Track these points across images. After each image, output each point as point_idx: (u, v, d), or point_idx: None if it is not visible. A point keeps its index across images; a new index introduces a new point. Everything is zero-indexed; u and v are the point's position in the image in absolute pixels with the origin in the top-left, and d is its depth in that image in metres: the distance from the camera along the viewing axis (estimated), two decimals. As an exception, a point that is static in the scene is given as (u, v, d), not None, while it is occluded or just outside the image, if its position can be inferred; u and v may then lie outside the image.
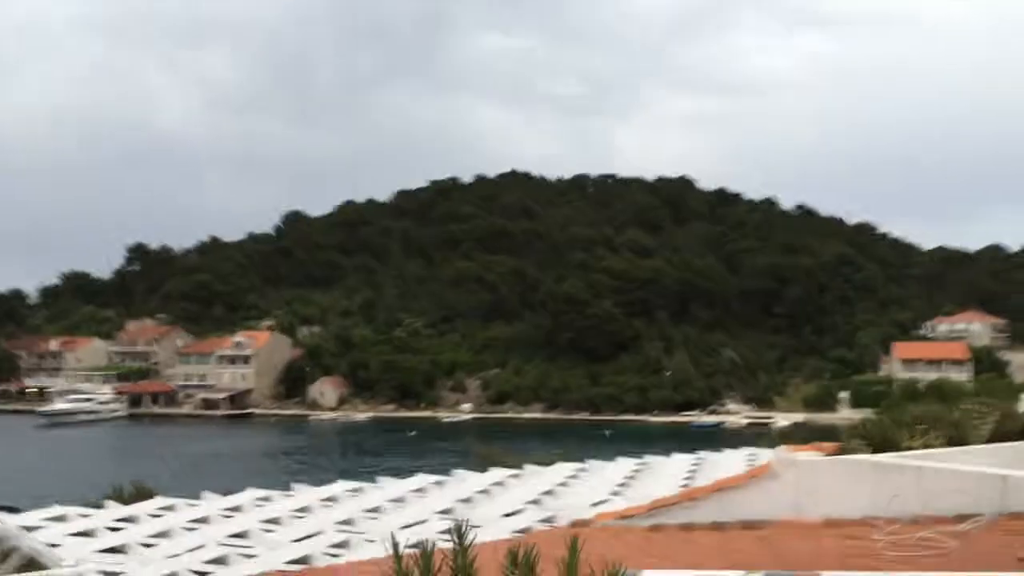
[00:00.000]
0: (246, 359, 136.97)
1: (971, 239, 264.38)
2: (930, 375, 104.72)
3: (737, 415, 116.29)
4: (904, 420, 7.33)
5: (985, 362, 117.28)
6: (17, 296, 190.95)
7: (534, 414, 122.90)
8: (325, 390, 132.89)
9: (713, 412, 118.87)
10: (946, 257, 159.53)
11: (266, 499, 13.64)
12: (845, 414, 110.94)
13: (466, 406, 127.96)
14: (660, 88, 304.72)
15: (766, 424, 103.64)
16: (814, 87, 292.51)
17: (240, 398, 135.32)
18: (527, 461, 24.59)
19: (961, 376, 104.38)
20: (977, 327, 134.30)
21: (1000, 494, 6.00)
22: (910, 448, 7.13)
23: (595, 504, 12.71)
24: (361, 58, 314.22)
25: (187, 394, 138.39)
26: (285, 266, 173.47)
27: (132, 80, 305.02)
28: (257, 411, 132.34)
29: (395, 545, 2.10)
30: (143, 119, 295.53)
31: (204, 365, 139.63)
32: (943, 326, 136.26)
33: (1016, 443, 7.61)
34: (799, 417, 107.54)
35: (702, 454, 18.71)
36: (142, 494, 24.52)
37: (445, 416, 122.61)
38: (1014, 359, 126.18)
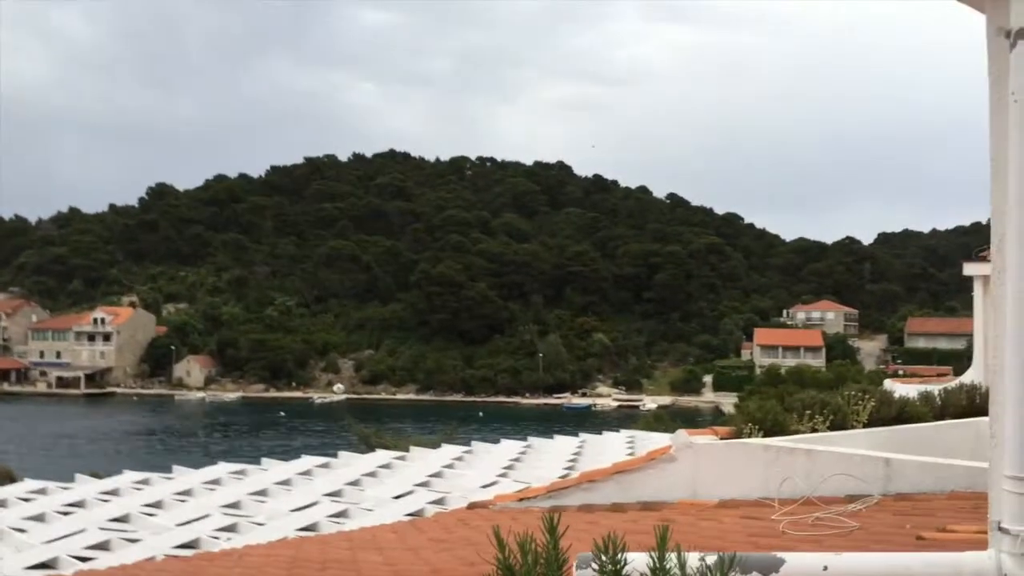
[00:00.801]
0: (106, 336, 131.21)
1: (828, 231, 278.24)
2: (788, 361, 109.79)
3: (607, 398, 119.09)
4: (792, 405, 7.71)
5: (837, 349, 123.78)
6: None
7: (408, 395, 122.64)
8: (192, 369, 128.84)
9: (584, 395, 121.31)
10: (804, 248, 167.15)
11: (145, 482, 13.20)
12: (709, 397, 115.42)
13: (339, 387, 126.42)
14: (540, 73, 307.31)
15: (635, 406, 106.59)
16: (685, 79, 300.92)
17: (100, 376, 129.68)
18: (405, 443, 24.60)
19: (816, 362, 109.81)
20: (831, 316, 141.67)
21: (884, 476, 6.42)
22: (798, 432, 7.51)
23: (485, 486, 12.85)
24: (230, 26, 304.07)
25: (42, 371, 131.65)
26: (150, 241, 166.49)
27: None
28: (119, 390, 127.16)
29: (496, 532, 2.02)
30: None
31: (61, 342, 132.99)
32: (801, 314, 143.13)
33: (892, 427, 8.12)
34: (666, 400, 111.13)
35: (584, 436, 19.15)
36: (1, 475, 23.33)
37: (317, 397, 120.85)
38: (863, 347, 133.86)
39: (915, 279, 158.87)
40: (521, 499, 8.66)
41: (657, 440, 18.09)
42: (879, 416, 8.25)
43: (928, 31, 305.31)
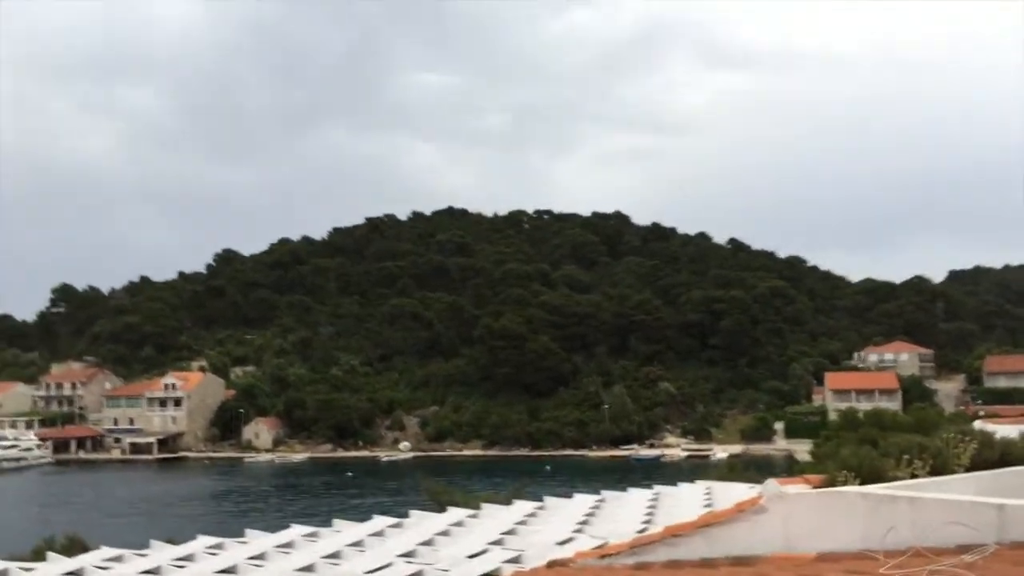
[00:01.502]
0: (177, 401, 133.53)
1: (896, 271, 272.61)
2: (862, 405, 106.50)
3: (676, 448, 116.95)
4: (888, 450, 7.30)
5: (913, 391, 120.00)
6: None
7: (474, 451, 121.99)
8: (260, 431, 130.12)
9: (652, 445, 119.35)
10: (873, 288, 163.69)
11: (219, 547, 13.09)
12: (781, 445, 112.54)
13: (404, 444, 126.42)
14: (593, 125, 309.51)
15: (705, 456, 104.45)
16: (739, 124, 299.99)
17: (171, 441, 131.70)
18: (475, 499, 24.22)
19: (892, 405, 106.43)
20: (905, 357, 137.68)
21: (998, 523, 5.97)
22: (896, 478, 7.09)
23: (561, 543, 12.47)
24: (291, 95, 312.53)
25: (116, 438, 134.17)
26: (217, 305, 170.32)
27: (45, 116, 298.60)
28: (190, 454, 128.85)
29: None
30: (60, 156, 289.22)
31: (133, 408, 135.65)
32: (872, 356, 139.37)
33: (995, 471, 7.64)
34: (737, 448, 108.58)
35: (658, 488, 18.61)
36: (75, 545, 23.50)
37: (384, 455, 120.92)
38: (940, 388, 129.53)
39: (990, 316, 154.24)
40: (603, 556, 8.31)
41: (736, 490, 17.42)
42: (981, 459, 7.78)
43: (987, 66, 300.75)
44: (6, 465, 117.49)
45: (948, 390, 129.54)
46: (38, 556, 22.57)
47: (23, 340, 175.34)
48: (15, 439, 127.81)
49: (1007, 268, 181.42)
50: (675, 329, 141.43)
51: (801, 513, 6.91)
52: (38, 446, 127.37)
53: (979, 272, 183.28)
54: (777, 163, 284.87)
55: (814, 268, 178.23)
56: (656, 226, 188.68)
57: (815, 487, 7.09)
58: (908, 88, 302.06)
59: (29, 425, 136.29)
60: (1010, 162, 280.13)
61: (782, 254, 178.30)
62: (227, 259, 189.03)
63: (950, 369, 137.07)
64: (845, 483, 6.91)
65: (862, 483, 6.91)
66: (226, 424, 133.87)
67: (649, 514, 14.91)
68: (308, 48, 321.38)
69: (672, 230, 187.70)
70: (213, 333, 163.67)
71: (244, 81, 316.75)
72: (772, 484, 7.04)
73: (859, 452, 7.05)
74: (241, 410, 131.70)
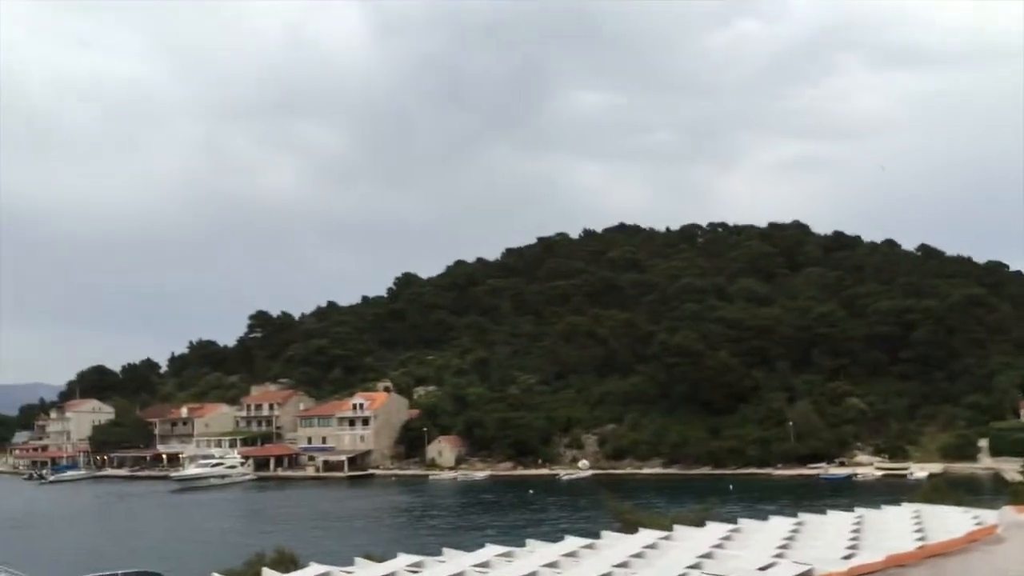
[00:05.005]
0: (365, 420, 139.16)
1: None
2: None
3: (868, 466, 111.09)
4: None
5: None
6: (149, 366, 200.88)
7: (653, 469, 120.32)
8: (443, 449, 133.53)
9: (842, 464, 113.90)
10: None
11: (419, 565, 13.45)
12: (987, 463, 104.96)
13: (583, 463, 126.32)
14: (762, 135, 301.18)
15: (902, 476, 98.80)
16: (919, 125, 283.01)
17: (360, 459, 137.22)
18: (663, 519, 23.81)
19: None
20: None
21: None
22: None
23: (763, 568, 12.04)
24: (457, 120, 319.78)
25: (310, 456, 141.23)
26: (399, 328, 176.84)
27: (231, 153, 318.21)
28: (378, 472, 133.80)
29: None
30: (250, 193, 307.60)
31: (325, 427, 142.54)
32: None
33: None
34: (936, 467, 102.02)
35: (861, 511, 17.70)
36: (285, 559, 24.79)
37: (563, 473, 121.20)
38: None
39: None
40: (817, 585, 7.94)
41: (950, 515, 16.19)
42: None
43: None
44: (214, 481, 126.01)
45: None
46: (252, 570, 23.95)
47: (225, 364, 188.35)
48: (221, 457, 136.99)
49: None
50: (862, 342, 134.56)
51: (1045, 544, 6.36)
52: (241, 464, 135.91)
53: None
54: (967, 163, 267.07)
55: (1017, 273, 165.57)
56: (838, 235, 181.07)
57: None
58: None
59: (232, 444, 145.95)
60: None
61: (980, 259, 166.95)
62: (406, 282, 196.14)
63: None
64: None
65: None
66: (410, 443, 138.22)
67: (854, 539, 14.16)
68: (471, 75, 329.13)
69: (856, 238, 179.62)
70: (396, 354, 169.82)
71: (412, 111, 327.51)
72: (1009, 512, 6.51)
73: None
74: (424, 429, 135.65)
